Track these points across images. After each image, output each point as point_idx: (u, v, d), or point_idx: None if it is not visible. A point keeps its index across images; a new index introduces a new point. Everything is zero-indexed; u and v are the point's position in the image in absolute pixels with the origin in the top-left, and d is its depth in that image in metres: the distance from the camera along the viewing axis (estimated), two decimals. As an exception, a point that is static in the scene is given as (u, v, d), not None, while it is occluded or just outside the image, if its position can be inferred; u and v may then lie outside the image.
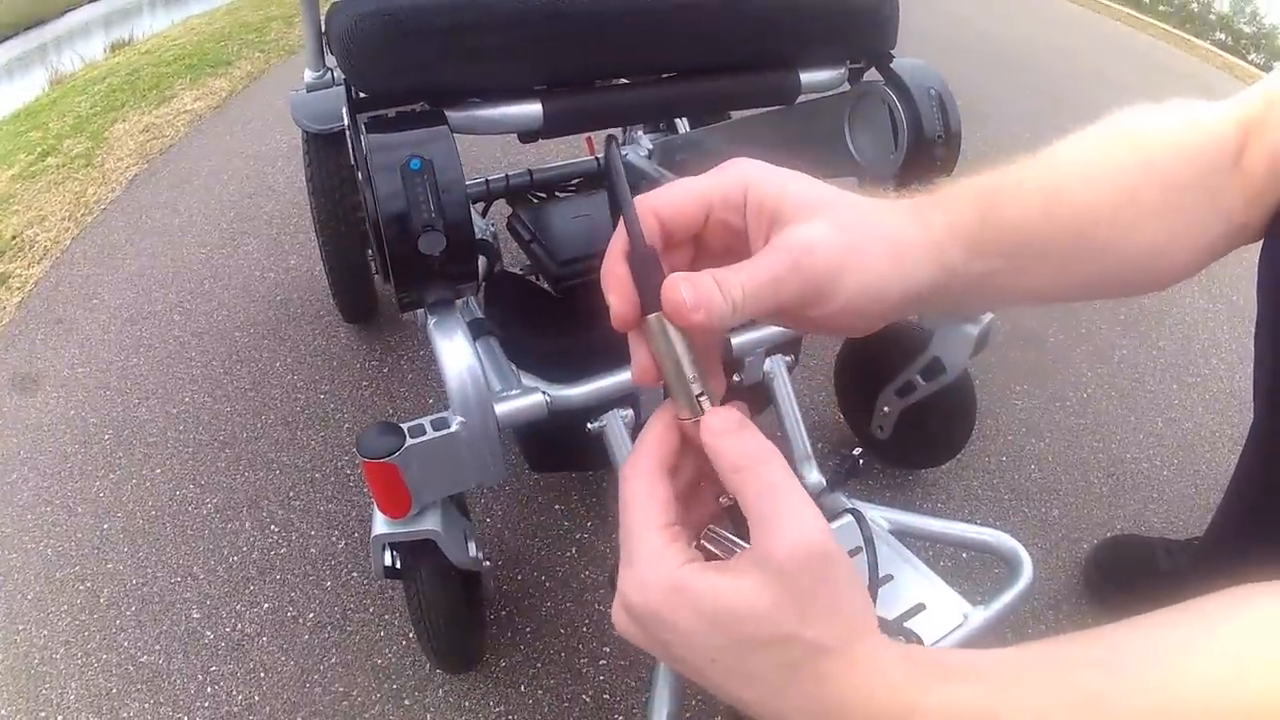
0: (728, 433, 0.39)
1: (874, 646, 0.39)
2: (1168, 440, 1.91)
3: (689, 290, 0.40)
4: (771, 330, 1.27)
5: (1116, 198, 0.51)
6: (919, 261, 0.47)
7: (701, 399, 0.41)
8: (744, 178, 0.44)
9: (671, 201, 0.43)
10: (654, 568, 0.39)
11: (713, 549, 0.42)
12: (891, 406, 1.57)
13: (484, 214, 1.83)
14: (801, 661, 0.38)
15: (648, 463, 0.42)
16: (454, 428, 1.01)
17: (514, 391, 1.08)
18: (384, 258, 1.01)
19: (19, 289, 2.40)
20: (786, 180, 0.44)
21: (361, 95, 1.09)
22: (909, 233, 0.47)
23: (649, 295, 0.41)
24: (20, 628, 1.46)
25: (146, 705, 1.33)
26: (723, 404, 0.42)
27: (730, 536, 0.41)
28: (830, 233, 0.43)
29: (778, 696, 0.39)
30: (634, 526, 0.41)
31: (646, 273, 0.41)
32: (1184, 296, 2.42)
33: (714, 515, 0.44)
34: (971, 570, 1.52)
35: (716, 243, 0.45)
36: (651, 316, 0.41)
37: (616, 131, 2.20)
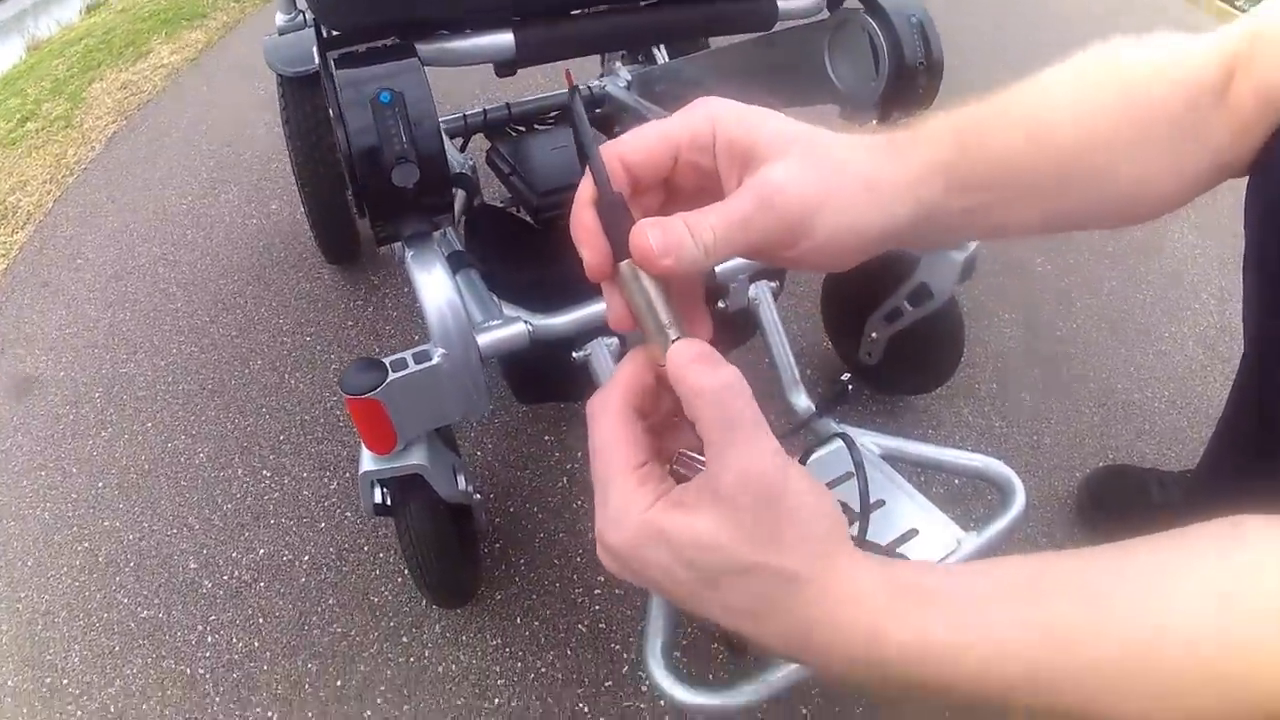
0: (691, 361, 0.39)
1: (848, 569, 0.39)
2: (1159, 373, 1.91)
3: (657, 235, 0.40)
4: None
5: (1101, 129, 0.51)
6: (896, 199, 0.47)
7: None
8: (712, 117, 0.43)
9: (638, 146, 0.43)
10: (625, 510, 0.40)
11: (684, 471, 0.43)
12: (879, 333, 1.57)
13: (462, 149, 1.81)
14: (772, 589, 0.39)
15: (614, 402, 0.42)
16: (436, 360, 1.00)
17: (495, 322, 1.08)
18: (358, 192, 1.00)
19: (3, 256, 2.38)
20: (756, 118, 0.44)
21: (332, 33, 1.07)
22: (886, 169, 0.47)
23: (619, 243, 0.41)
24: (22, 594, 1.47)
25: (149, 660, 1.34)
26: (712, 342, 0.42)
27: (698, 457, 0.41)
28: (802, 171, 0.43)
29: (758, 623, 0.40)
30: (603, 470, 0.41)
31: (616, 220, 0.41)
32: (1173, 231, 2.40)
33: (692, 444, 0.43)
34: (964, 496, 1.53)
35: (688, 185, 0.45)
36: (623, 264, 0.41)
37: (589, 63, 2.18)
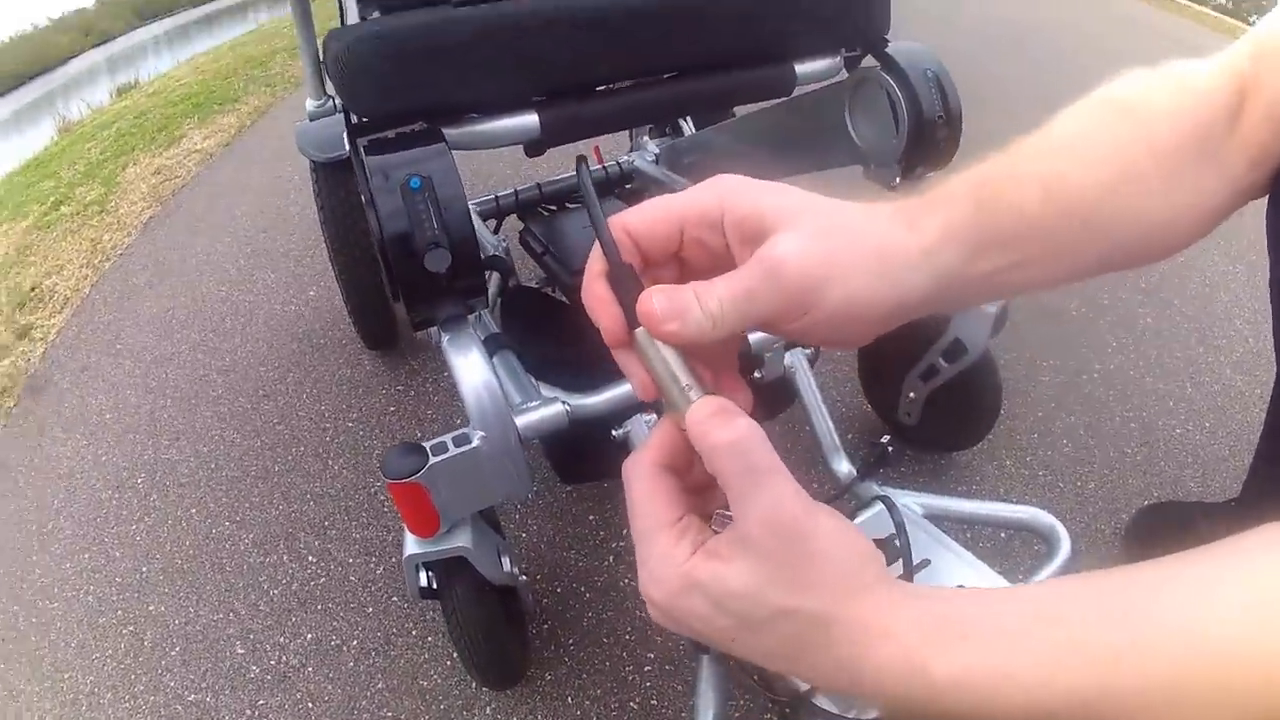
0: (707, 419, 0.40)
1: (885, 605, 0.39)
2: (1198, 403, 1.89)
3: (662, 301, 0.40)
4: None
5: (1116, 176, 0.50)
6: (911, 270, 0.46)
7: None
8: (719, 194, 0.44)
9: (643, 219, 0.43)
10: (663, 565, 0.40)
11: (718, 530, 0.43)
12: (917, 391, 1.56)
13: (496, 230, 1.83)
14: (805, 630, 0.39)
15: (646, 461, 0.43)
16: (475, 443, 1.01)
17: (534, 403, 1.08)
18: (392, 278, 1.01)
19: (41, 339, 2.44)
20: (765, 192, 0.44)
21: (361, 119, 1.10)
22: (897, 239, 0.46)
23: (632, 310, 0.41)
24: (67, 675, 1.47)
25: (197, 744, 1.34)
26: (752, 413, 0.42)
27: (729, 514, 0.42)
28: (807, 242, 0.42)
29: (798, 664, 0.40)
30: (641, 528, 0.42)
31: (627, 289, 0.41)
32: (1203, 259, 2.39)
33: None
34: (1012, 549, 1.51)
35: (698, 261, 0.45)
36: (638, 331, 0.41)
37: (619, 138, 2.20)
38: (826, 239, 0.43)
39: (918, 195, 0.49)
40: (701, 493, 0.44)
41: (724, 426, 0.39)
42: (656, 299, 0.40)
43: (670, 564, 0.40)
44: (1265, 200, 0.55)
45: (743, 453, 0.39)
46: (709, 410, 0.40)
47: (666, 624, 0.42)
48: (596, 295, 0.42)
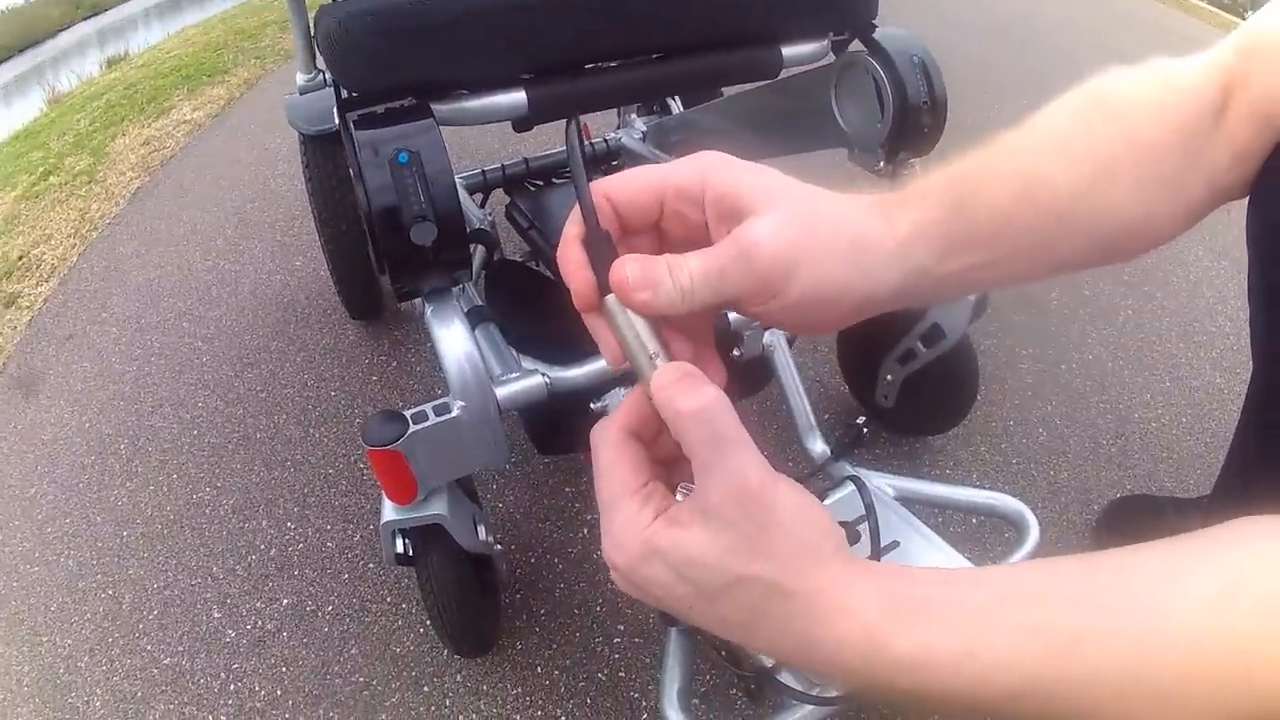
0: (671, 384, 0.40)
1: (842, 580, 0.39)
2: (1176, 399, 1.91)
3: (635, 270, 0.41)
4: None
5: (1095, 173, 0.50)
6: (883, 264, 0.46)
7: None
8: (701, 170, 0.44)
9: (624, 187, 0.44)
10: (625, 531, 0.41)
11: (683, 500, 0.43)
12: (894, 374, 1.58)
13: (482, 204, 1.84)
14: (764, 601, 0.39)
15: (615, 428, 0.43)
16: (455, 412, 1.02)
17: (514, 374, 1.10)
18: (378, 250, 1.02)
19: (28, 308, 2.43)
20: (744, 172, 0.44)
21: (351, 94, 1.10)
22: (874, 231, 0.46)
23: (605, 277, 0.42)
24: (45, 639, 1.48)
25: (171, 707, 1.35)
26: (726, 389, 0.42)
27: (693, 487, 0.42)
28: (782, 226, 0.42)
29: (754, 635, 0.41)
30: (605, 493, 0.42)
31: (601, 255, 0.42)
32: (1188, 254, 2.40)
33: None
34: (982, 535, 1.52)
35: (677, 234, 0.46)
36: (608, 298, 0.42)
37: (607, 115, 2.20)
38: (802, 224, 0.43)
39: (897, 189, 0.49)
40: (669, 464, 0.45)
41: (689, 394, 0.39)
42: (630, 267, 0.41)
43: (633, 530, 0.40)
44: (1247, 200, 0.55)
45: (707, 420, 0.39)
46: (673, 377, 0.40)
47: (628, 590, 0.43)
48: (571, 259, 0.43)
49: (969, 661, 0.37)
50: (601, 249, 0.42)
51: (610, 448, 0.43)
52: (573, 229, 0.43)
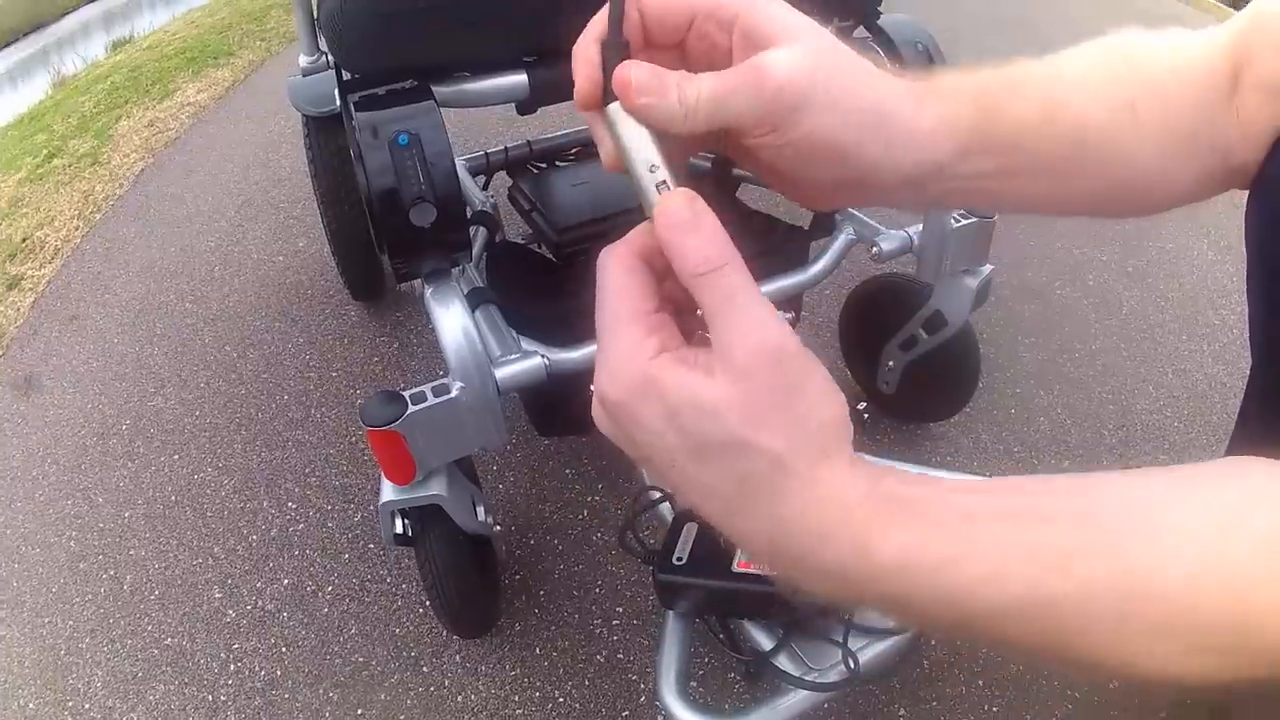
0: (682, 229, 0.37)
1: (840, 472, 0.37)
2: (1178, 391, 1.90)
3: (641, 74, 0.39)
4: (770, 287, 1.27)
5: (1116, 111, 0.49)
6: (903, 142, 0.44)
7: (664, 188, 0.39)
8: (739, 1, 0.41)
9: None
10: (627, 358, 0.37)
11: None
12: (896, 361, 1.58)
13: (485, 186, 1.84)
14: (759, 476, 0.36)
15: (623, 250, 0.40)
16: (454, 393, 1.03)
17: (513, 356, 1.10)
18: (378, 231, 1.02)
19: (31, 290, 2.43)
20: (782, 8, 0.42)
21: (352, 76, 1.10)
22: (901, 108, 0.45)
23: (609, 81, 0.40)
24: (46, 620, 1.49)
25: (172, 687, 1.36)
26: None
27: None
28: (801, 59, 0.40)
29: (735, 513, 0.37)
30: (608, 316, 0.39)
31: (615, 61, 0.40)
32: (1192, 247, 2.39)
33: None
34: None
35: (699, 56, 0.43)
36: (611, 105, 0.40)
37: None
38: (826, 66, 0.41)
39: (923, 81, 0.47)
40: (679, 310, 0.41)
41: (702, 246, 0.36)
42: (636, 71, 0.39)
43: (635, 359, 0.37)
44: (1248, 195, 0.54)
45: (723, 281, 0.36)
46: (682, 218, 0.37)
47: (610, 431, 0.39)
48: (584, 56, 0.40)
49: (954, 570, 0.35)
50: (617, 55, 0.40)
51: (618, 268, 0.39)
52: (594, 28, 0.41)
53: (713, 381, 0.35)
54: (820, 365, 0.37)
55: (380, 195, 0.98)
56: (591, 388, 0.40)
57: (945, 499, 0.37)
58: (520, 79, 1.13)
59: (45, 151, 3.35)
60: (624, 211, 1.46)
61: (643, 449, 0.38)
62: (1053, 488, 0.38)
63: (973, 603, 0.35)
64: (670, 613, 1.06)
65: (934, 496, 0.37)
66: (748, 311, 0.35)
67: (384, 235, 1.01)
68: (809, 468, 0.36)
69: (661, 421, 0.36)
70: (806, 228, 1.45)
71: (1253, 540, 0.33)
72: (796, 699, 0.99)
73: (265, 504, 1.65)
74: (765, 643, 1.01)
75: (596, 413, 0.40)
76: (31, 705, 1.36)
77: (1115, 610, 0.34)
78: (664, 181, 0.39)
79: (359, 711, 1.30)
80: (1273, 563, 0.33)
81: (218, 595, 1.49)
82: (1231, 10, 4.44)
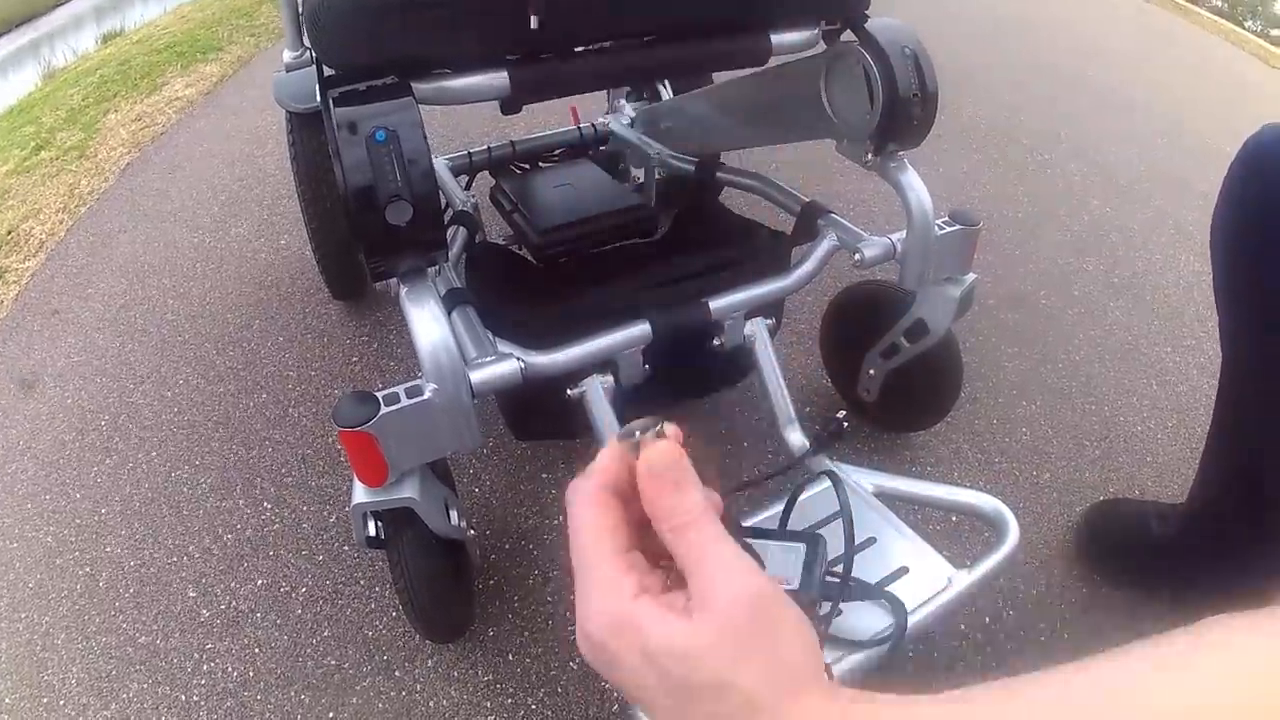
0: (661, 487, 0.39)
1: (814, 704, 0.36)
2: (1162, 403, 1.90)
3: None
4: (751, 293, 1.27)
5: None
6: None
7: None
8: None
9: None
10: (604, 598, 0.38)
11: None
12: (877, 369, 1.57)
13: (467, 186, 1.83)
14: (732, 713, 0.36)
15: (593, 487, 0.41)
16: (427, 395, 1.02)
17: (488, 358, 1.09)
18: (354, 228, 1.01)
19: (15, 282, 2.42)
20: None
21: (333, 71, 1.09)
22: None
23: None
24: (22, 615, 1.47)
25: (145, 685, 1.35)
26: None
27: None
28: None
29: None
30: (586, 553, 0.40)
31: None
32: (1178, 260, 2.39)
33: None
34: (961, 534, 1.52)
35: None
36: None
37: (598, 100, 2.18)
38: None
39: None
40: (643, 526, 0.42)
41: (678, 503, 0.39)
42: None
43: (614, 599, 0.38)
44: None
45: (697, 537, 0.38)
46: (663, 479, 0.39)
47: (594, 662, 0.40)
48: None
49: None
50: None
51: (590, 505, 0.41)
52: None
53: (692, 628, 0.36)
54: (792, 603, 0.38)
55: (356, 192, 0.97)
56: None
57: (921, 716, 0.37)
58: (501, 77, 1.12)
59: (33, 144, 3.33)
60: (606, 214, 1.45)
61: (622, 682, 0.39)
62: (1024, 695, 0.36)
63: None
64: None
65: (905, 717, 0.37)
66: (722, 560, 0.37)
67: (359, 233, 1.00)
68: (779, 705, 0.36)
69: (638, 661, 0.37)
70: (789, 233, 1.45)
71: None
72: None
73: (241, 503, 1.64)
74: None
75: (581, 645, 0.41)
76: (8, 699, 1.35)
77: None
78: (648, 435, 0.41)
79: (330, 715, 1.29)
80: None
81: (192, 594, 1.48)
82: (1224, 23, 4.45)
